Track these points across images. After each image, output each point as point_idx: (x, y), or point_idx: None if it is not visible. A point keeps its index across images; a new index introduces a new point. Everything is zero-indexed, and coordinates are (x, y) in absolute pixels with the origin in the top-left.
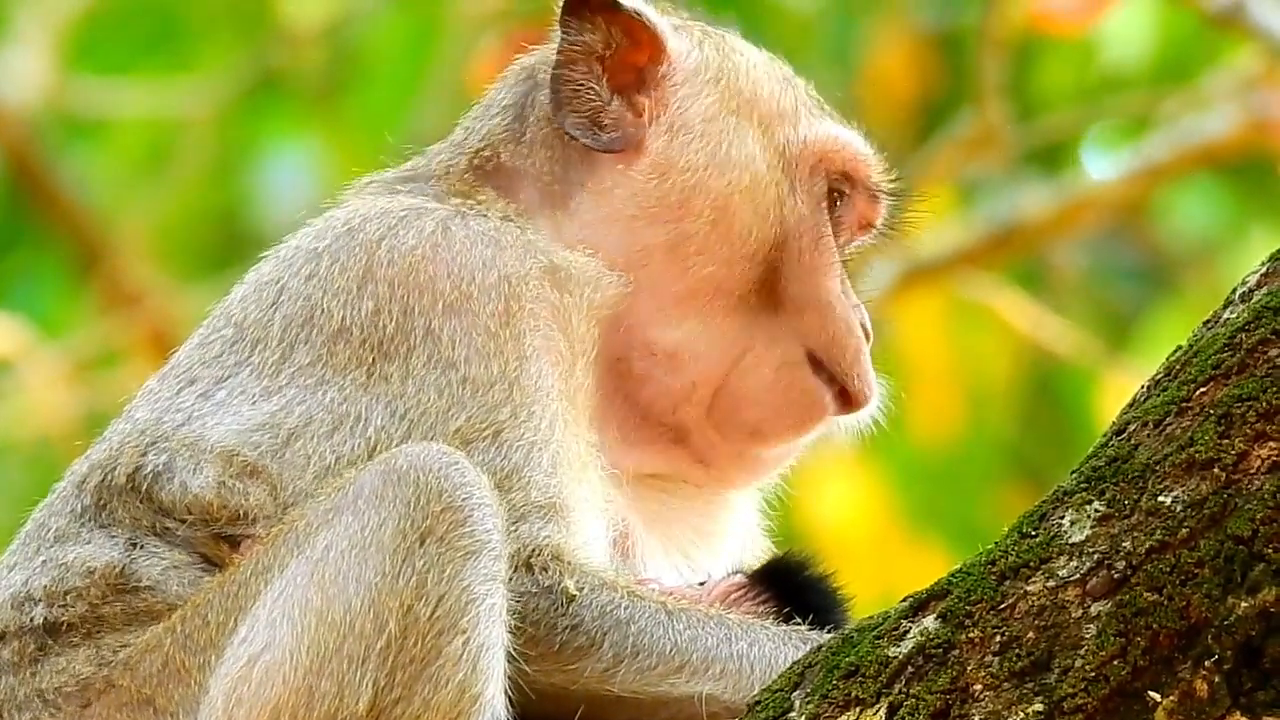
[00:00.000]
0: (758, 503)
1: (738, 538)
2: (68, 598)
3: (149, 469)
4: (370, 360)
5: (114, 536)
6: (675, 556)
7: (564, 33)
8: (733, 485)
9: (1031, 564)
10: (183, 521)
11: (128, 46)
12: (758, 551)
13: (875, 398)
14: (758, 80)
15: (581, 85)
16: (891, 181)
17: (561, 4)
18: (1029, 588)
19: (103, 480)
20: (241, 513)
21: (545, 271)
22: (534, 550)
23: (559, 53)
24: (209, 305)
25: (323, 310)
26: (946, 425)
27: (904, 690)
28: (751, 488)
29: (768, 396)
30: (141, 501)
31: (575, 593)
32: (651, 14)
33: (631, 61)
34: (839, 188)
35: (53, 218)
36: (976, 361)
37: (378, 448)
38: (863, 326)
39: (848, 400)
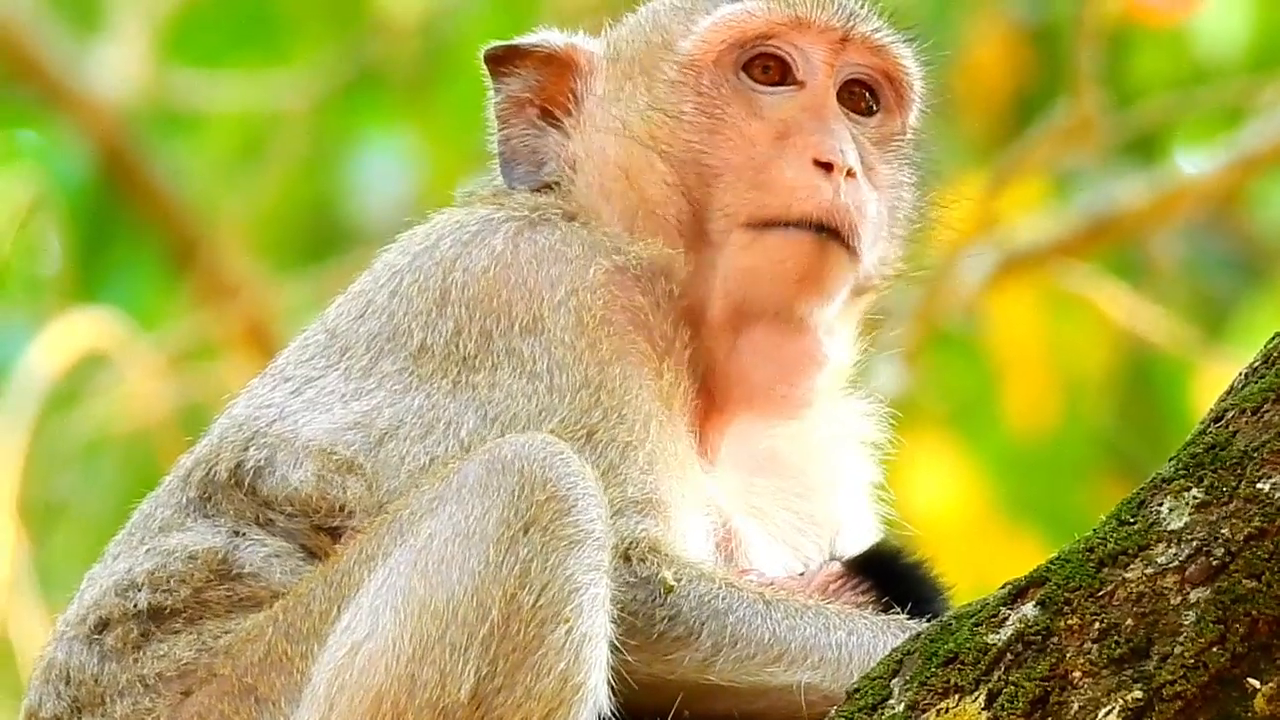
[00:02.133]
0: (869, 488)
1: (844, 523)
2: (171, 582)
3: (250, 463)
4: (455, 373)
5: (217, 525)
6: (780, 548)
7: (494, 94)
8: (803, 397)
9: (1130, 551)
10: (284, 513)
11: (223, 40)
12: (869, 536)
13: (842, 206)
14: (647, 25)
15: (522, 135)
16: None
17: (485, 71)
18: (1128, 574)
19: (206, 474)
20: (340, 506)
21: (614, 273)
22: (632, 542)
23: (496, 116)
24: (304, 297)
25: (405, 330)
26: (1042, 415)
27: (1003, 677)
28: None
29: (758, 277)
30: (245, 495)
31: (673, 583)
32: (552, 38)
33: (561, 89)
34: (768, 51)
35: (149, 211)
36: (1072, 351)
37: (471, 449)
38: (821, 152)
39: (826, 225)
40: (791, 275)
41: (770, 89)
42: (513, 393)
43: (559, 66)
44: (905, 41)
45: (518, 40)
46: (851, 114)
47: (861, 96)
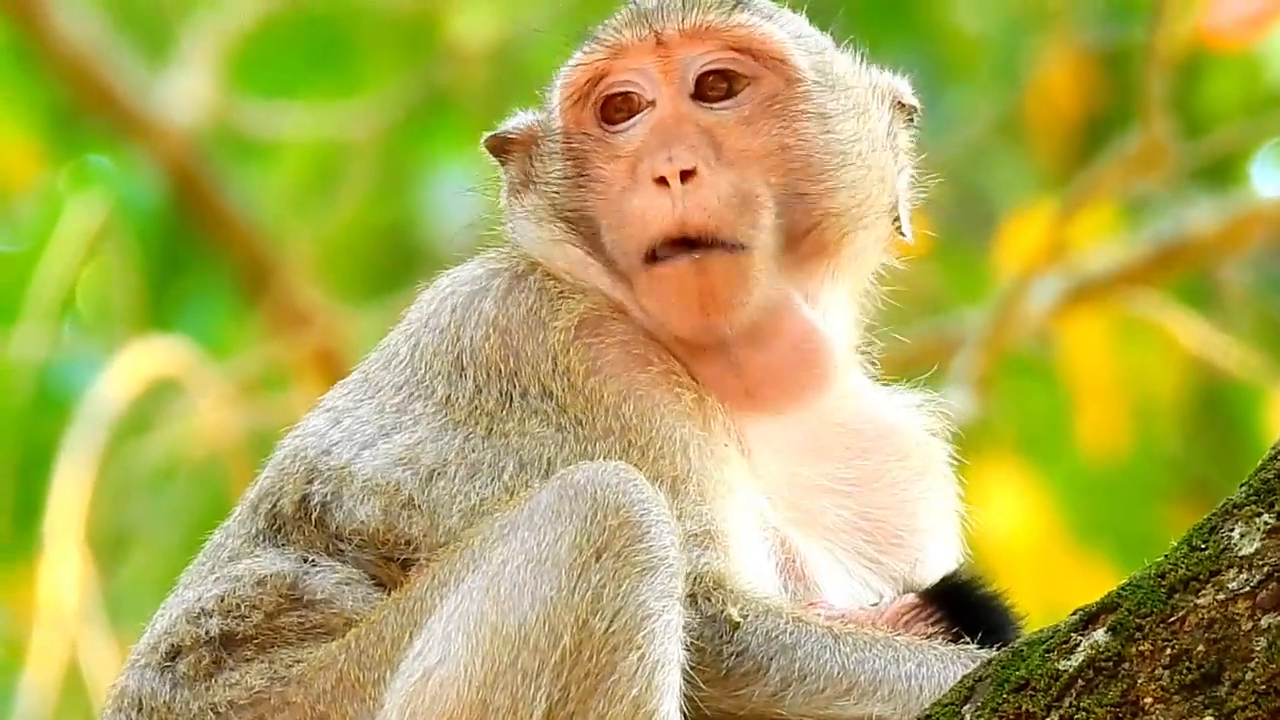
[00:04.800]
0: (948, 509)
1: (917, 543)
2: (242, 608)
3: (316, 498)
4: (487, 422)
5: (286, 554)
6: (847, 566)
7: (501, 179)
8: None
9: (1201, 577)
10: (352, 544)
11: (294, 66)
12: (947, 558)
13: (687, 212)
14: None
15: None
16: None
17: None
18: (1199, 600)
19: (272, 507)
20: (406, 540)
21: (590, 323)
22: (696, 579)
23: (505, 203)
24: (375, 325)
25: (427, 385)
26: (1113, 441)
27: (1074, 703)
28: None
29: (670, 312)
30: (314, 527)
31: (739, 620)
32: (524, 119)
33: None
34: (612, 92)
35: (221, 239)
36: (1143, 378)
37: (515, 492)
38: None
39: (687, 241)
40: (692, 304)
41: (625, 124)
42: (544, 441)
43: (528, 147)
44: (735, 5)
45: (502, 128)
46: (714, 105)
47: (715, 85)
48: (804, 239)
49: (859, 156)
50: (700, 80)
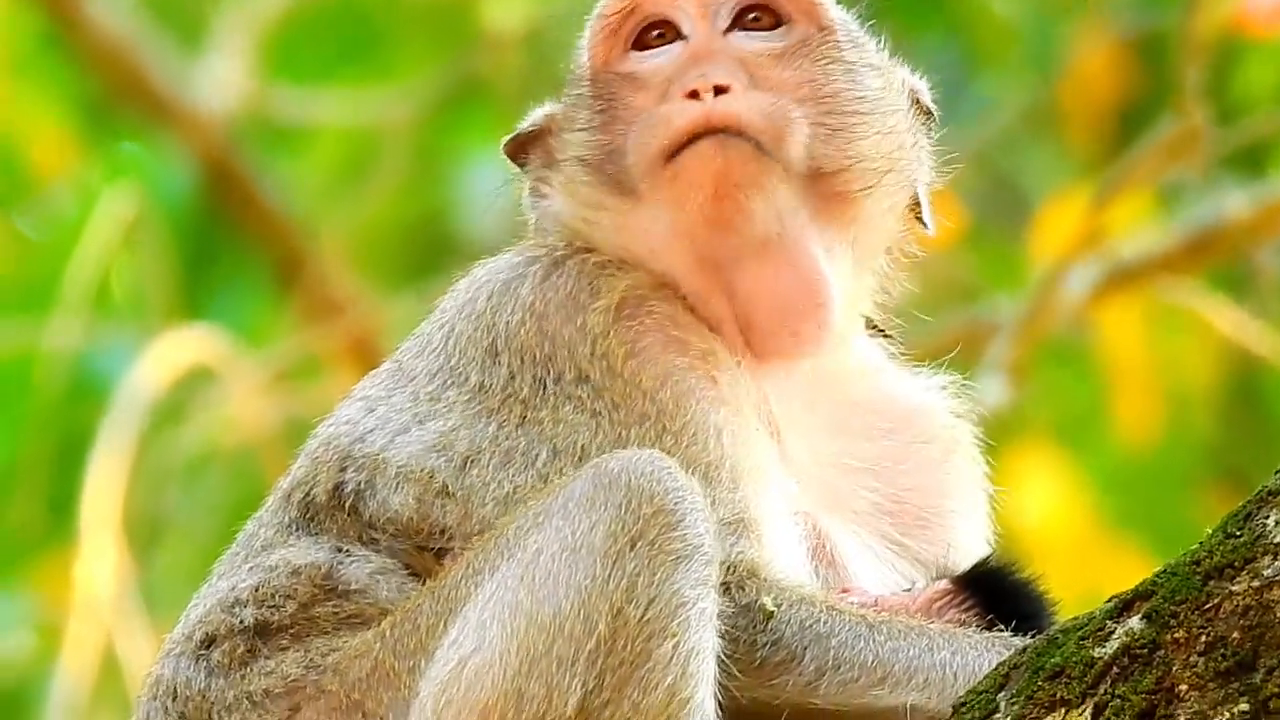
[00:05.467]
0: (976, 491)
1: (945, 525)
2: (276, 598)
3: (350, 486)
4: (520, 410)
5: (320, 543)
6: (875, 550)
7: (524, 178)
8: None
9: (1236, 564)
10: (386, 533)
11: (327, 55)
12: (976, 541)
13: (719, 111)
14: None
15: (543, 205)
16: None
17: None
18: (1234, 588)
19: (305, 495)
20: (441, 529)
21: (628, 305)
22: (729, 567)
23: (528, 204)
24: (409, 313)
25: (461, 372)
26: (1148, 429)
27: (1109, 691)
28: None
29: (686, 205)
30: (347, 516)
31: (773, 609)
32: (538, 114)
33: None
34: (652, 20)
35: (254, 227)
36: (1178, 365)
37: (549, 480)
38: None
39: (712, 126)
40: (707, 187)
41: (656, 51)
42: (578, 428)
43: (546, 138)
44: None
45: (518, 128)
46: (749, 34)
47: (758, 17)
48: (828, 179)
49: (884, 114)
50: (736, 14)
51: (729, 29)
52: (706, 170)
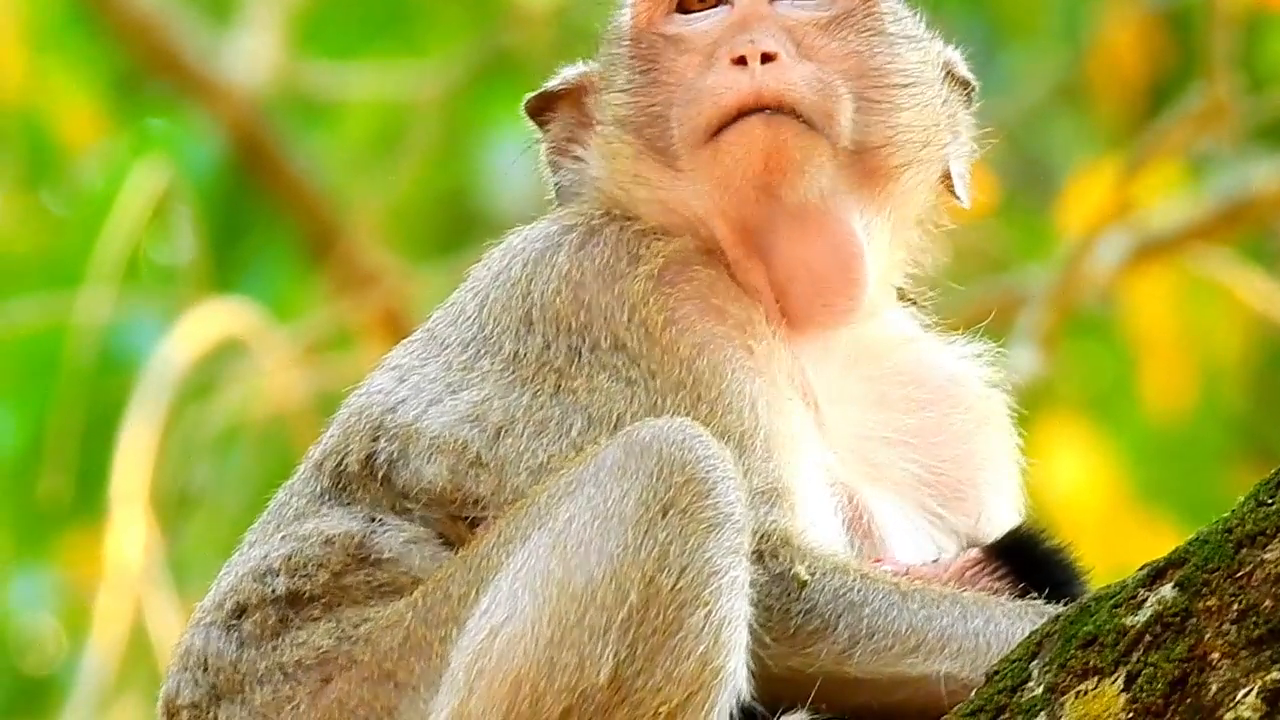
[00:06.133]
0: (1009, 461)
1: (979, 496)
2: (308, 567)
3: (382, 456)
4: (555, 379)
5: (353, 512)
6: (912, 521)
7: (541, 140)
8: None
9: (1268, 531)
10: (419, 503)
11: (357, 29)
12: (1008, 511)
13: (765, 84)
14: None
15: (569, 174)
16: None
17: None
18: (1266, 555)
19: (337, 465)
20: (474, 499)
21: (665, 273)
22: (763, 536)
23: (547, 164)
24: (439, 286)
25: (495, 341)
26: (1178, 400)
27: (1142, 659)
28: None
29: (731, 180)
30: (380, 485)
31: (807, 578)
32: (569, 73)
33: (586, 118)
34: None
35: (284, 201)
36: (1208, 337)
37: (583, 449)
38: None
39: (762, 105)
40: (756, 162)
41: (702, 14)
42: (613, 396)
43: (580, 97)
44: None
45: (545, 85)
46: (798, 3)
47: None
48: (870, 154)
49: (923, 88)
50: None
51: None
52: (755, 148)
